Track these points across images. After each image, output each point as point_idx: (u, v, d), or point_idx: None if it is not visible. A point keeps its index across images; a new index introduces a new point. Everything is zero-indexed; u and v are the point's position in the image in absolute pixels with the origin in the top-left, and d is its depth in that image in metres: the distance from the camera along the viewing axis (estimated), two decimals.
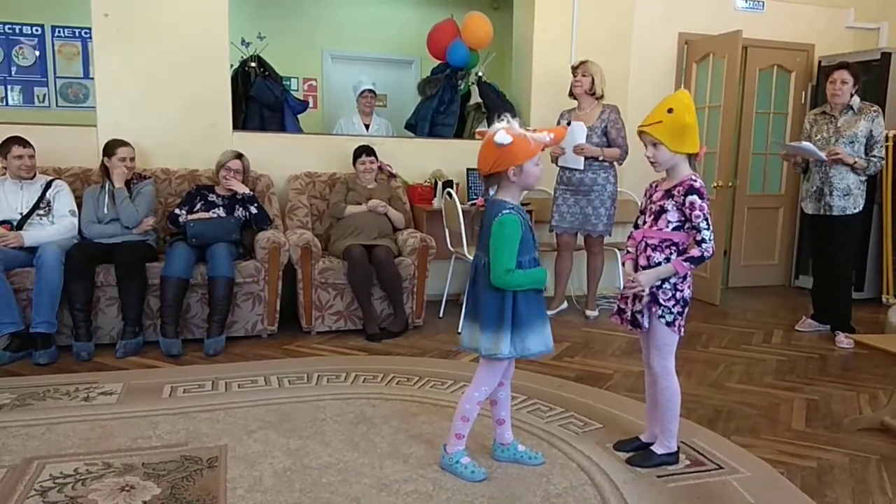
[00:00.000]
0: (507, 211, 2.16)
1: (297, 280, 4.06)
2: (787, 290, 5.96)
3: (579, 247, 4.76)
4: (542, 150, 2.19)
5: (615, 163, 4.53)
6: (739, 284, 5.98)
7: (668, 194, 2.30)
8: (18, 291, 3.50)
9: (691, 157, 2.32)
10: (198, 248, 3.82)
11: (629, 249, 2.44)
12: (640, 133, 2.32)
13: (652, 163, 2.33)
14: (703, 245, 2.24)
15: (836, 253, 4.19)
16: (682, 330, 2.35)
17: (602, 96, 4.52)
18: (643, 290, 2.31)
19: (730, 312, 5.04)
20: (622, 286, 2.45)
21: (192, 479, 2.26)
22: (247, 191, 4.12)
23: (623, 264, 2.47)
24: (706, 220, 2.24)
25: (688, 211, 2.25)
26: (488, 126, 5.54)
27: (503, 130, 2.12)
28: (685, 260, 2.26)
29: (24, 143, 3.74)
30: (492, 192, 2.25)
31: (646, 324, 2.36)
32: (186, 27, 4.36)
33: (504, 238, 2.14)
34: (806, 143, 4.06)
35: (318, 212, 4.60)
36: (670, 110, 2.24)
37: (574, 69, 4.53)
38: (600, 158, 4.44)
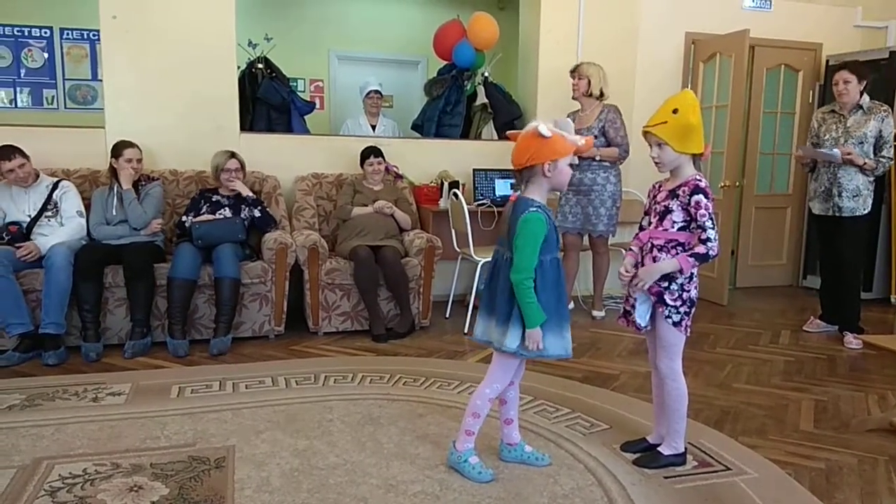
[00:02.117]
0: (534, 209, 2.18)
1: (304, 281, 4.07)
2: (794, 291, 5.94)
3: (585, 247, 4.76)
4: (574, 154, 2.21)
5: (616, 162, 4.51)
6: (747, 285, 5.96)
7: (673, 194, 2.30)
8: (28, 293, 3.53)
9: (696, 158, 2.31)
10: (204, 249, 3.83)
11: (632, 248, 2.44)
12: (645, 133, 2.32)
13: (657, 163, 2.33)
14: (708, 243, 2.23)
15: (844, 253, 4.16)
16: (689, 330, 2.35)
17: (602, 96, 4.49)
18: (645, 285, 2.30)
19: (737, 313, 5.02)
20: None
21: (200, 479, 2.27)
22: (251, 194, 4.13)
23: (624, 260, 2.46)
24: (711, 219, 2.24)
25: (693, 210, 2.24)
26: (494, 127, 5.54)
27: (544, 125, 2.14)
28: (689, 255, 2.25)
29: (8, 156, 3.64)
30: (521, 190, 2.28)
31: (640, 322, 2.36)
32: (194, 29, 4.38)
33: (528, 235, 2.15)
34: (836, 151, 3.99)
35: (324, 213, 4.61)
36: (675, 111, 2.24)
37: (571, 73, 4.52)
38: (597, 158, 4.42)
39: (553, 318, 2.21)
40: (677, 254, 2.28)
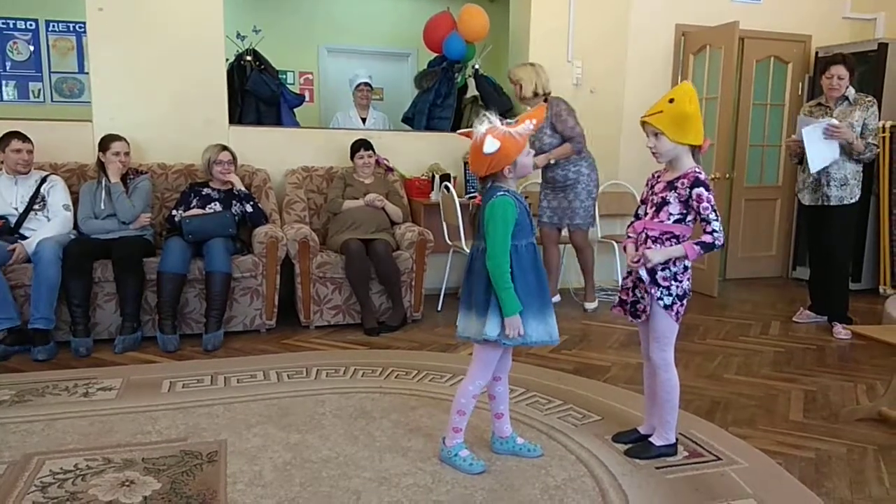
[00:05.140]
0: (501, 194, 2.18)
1: (296, 274, 4.06)
2: (784, 282, 5.97)
3: (565, 240, 4.73)
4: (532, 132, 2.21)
5: (584, 153, 4.41)
6: (737, 276, 5.99)
7: (671, 186, 2.29)
8: (16, 287, 3.50)
9: (695, 150, 2.31)
10: (195, 244, 3.81)
11: (630, 235, 2.43)
12: (643, 124, 2.31)
13: (654, 153, 2.32)
14: (714, 234, 2.23)
15: (832, 244, 4.19)
16: (679, 317, 2.34)
17: (538, 96, 4.30)
18: (649, 263, 2.29)
19: (727, 304, 5.05)
20: (620, 279, 2.44)
21: (192, 473, 2.27)
22: (243, 188, 4.11)
23: (625, 249, 2.45)
24: (714, 211, 2.24)
25: (695, 203, 2.24)
26: None
27: (489, 137, 2.10)
28: (695, 244, 2.25)
29: (23, 137, 3.75)
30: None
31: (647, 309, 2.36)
32: (181, 21, 4.34)
33: (497, 219, 2.15)
34: (833, 120, 3.95)
35: (315, 206, 4.59)
36: (672, 100, 2.24)
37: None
38: (552, 162, 4.34)
39: (535, 302, 2.19)
40: (671, 245, 2.28)
